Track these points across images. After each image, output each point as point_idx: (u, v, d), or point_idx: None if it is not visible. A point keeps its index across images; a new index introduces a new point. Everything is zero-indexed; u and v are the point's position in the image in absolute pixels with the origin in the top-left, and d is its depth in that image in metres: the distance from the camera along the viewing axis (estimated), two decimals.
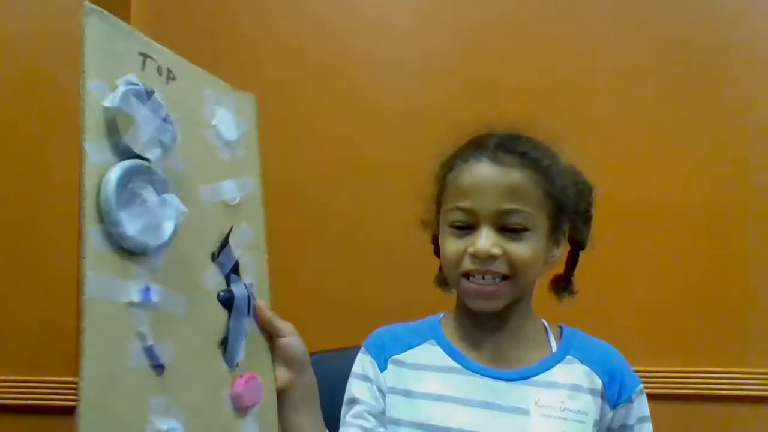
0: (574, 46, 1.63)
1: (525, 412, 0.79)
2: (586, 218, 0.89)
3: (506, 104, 1.55)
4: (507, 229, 0.79)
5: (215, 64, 0.79)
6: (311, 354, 1.05)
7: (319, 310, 1.55)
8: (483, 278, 0.80)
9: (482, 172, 0.80)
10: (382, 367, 0.87)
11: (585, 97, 1.60)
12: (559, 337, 0.87)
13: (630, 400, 0.83)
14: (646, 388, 1.61)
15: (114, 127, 0.58)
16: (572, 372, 0.82)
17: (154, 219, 0.60)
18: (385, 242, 1.60)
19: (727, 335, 1.54)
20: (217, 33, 1.69)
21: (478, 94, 1.60)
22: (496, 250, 0.78)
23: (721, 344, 1.54)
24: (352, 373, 0.90)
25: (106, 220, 0.56)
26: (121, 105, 0.59)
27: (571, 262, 0.91)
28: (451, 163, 0.85)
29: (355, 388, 0.88)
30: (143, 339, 0.58)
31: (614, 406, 0.82)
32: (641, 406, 0.84)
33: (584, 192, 0.88)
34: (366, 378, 0.88)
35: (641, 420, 0.83)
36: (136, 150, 0.60)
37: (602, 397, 0.82)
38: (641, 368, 1.54)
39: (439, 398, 0.82)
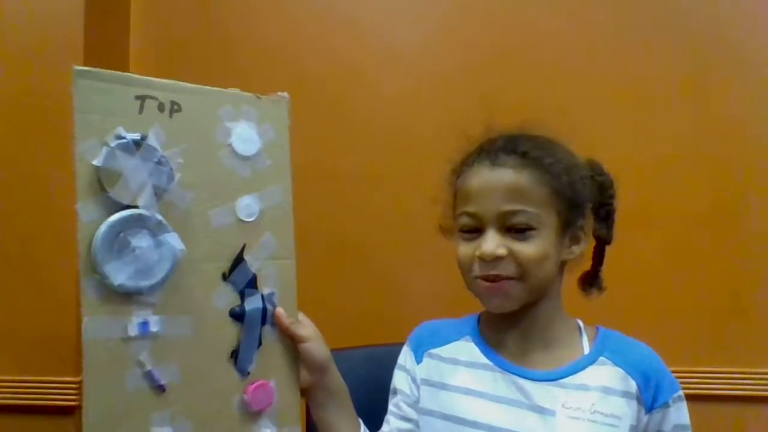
0: (576, 49, 1.56)
1: (551, 413, 0.77)
2: (608, 212, 0.86)
3: (509, 109, 1.41)
4: (512, 230, 0.78)
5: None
6: None
7: (314, 312, 1.53)
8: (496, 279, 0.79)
9: (484, 175, 0.80)
10: (419, 360, 0.90)
11: (591, 102, 1.53)
12: (594, 338, 0.84)
13: (666, 405, 0.78)
14: None
15: (102, 184, 0.65)
16: (604, 374, 0.80)
17: (147, 263, 0.68)
18: (384, 246, 1.57)
19: (727, 335, 1.48)
20: (206, 36, 1.65)
21: (472, 103, 1.41)
22: (501, 251, 0.77)
23: (721, 344, 1.48)
24: (397, 365, 0.94)
25: (97, 272, 0.65)
26: (106, 163, 0.66)
27: (597, 257, 0.88)
28: (458, 170, 0.85)
29: (396, 378, 0.92)
30: (142, 366, 0.68)
31: (649, 410, 0.78)
32: (679, 413, 0.79)
33: (604, 184, 0.86)
34: (404, 369, 0.91)
35: (678, 428, 0.79)
36: (126, 201, 0.67)
37: (638, 400, 0.78)
38: None
39: (469, 392, 0.83)
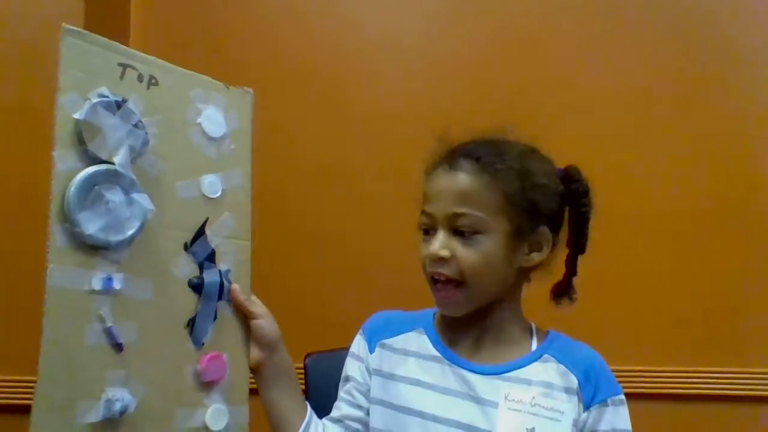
0: (576, 47, 1.60)
1: (494, 404, 0.80)
2: (582, 221, 0.86)
3: (495, 110, 1.47)
4: (459, 233, 0.80)
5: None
6: (307, 355, 1.14)
7: (307, 313, 1.57)
8: (442, 283, 0.81)
9: (441, 178, 0.82)
10: (371, 350, 0.92)
11: (591, 102, 1.58)
12: (543, 339, 0.87)
13: (605, 404, 0.80)
14: (646, 388, 1.52)
15: (81, 137, 0.67)
16: (547, 370, 0.82)
17: (118, 218, 0.69)
18: (370, 245, 1.62)
19: (727, 335, 1.51)
20: (206, 36, 1.71)
21: (465, 99, 1.58)
22: (444, 253, 0.79)
23: (721, 344, 1.51)
24: (349, 352, 0.95)
25: (68, 220, 0.65)
26: (88, 117, 0.67)
27: (569, 266, 0.88)
28: (428, 171, 0.86)
29: (348, 366, 0.94)
30: (103, 321, 0.67)
31: (588, 407, 0.80)
32: (617, 416, 0.80)
33: (578, 191, 0.85)
34: (358, 357, 0.93)
35: None
36: (103, 156, 0.68)
37: (578, 396, 0.81)
38: (641, 369, 1.53)
39: (417, 383, 0.85)
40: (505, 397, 0.80)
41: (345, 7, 1.70)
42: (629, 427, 0.81)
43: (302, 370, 1.10)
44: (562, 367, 0.82)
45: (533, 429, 0.78)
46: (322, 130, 1.66)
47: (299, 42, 1.68)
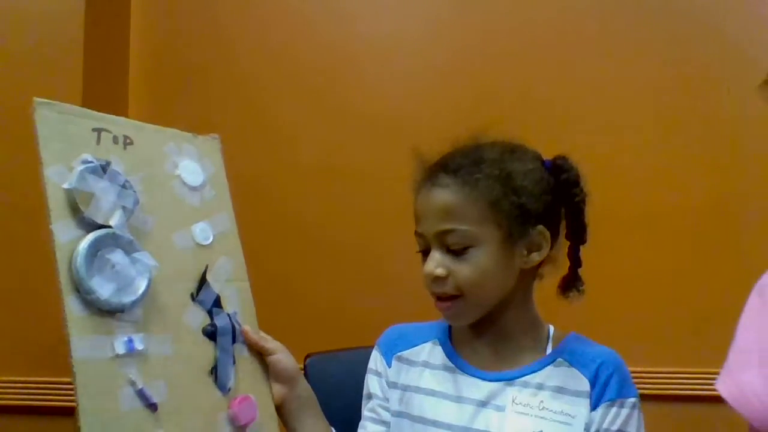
0: (576, 47, 1.63)
1: (502, 409, 0.81)
2: (576, 211, 0.85)
3: (496, 110, 1.58)
4: (451, 250, 0.80)
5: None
6: (307, 356, 1.14)
7: (307, 313, 1.57)
8: (443, 300, 0.82)
9: (425, 196, 0.83)
10: (389, 364, 0.93)
11: (586, 102, 1.61)
12: (560, 342, 0.86)
13: (612, 404, 0.79)
14: (646, 388, 1.48)
15: (75, 206, 0.66)
16: (559, 374, 0.82)
17: (126, 279, 0.68)
18: (368, 247, 1.64)
19: (727, 336, 1.53)
20: (207, 35, 1.71)
21: (465, 100, 1.62)
22: (440, 272, 0.80)
23: (720, 345, 1.52)
24: (368, 369, 0.95)
25: (80, 289, 0.65)
26: (78, 184, 0.67)
27: (572, 259, 0.87)
28: (414, 190, 0.86)
29: (369, 383, 0.94)
30: (133, 384, 0.66)
31: (595, 406, 0.80)
32: (626, 420, 0.79)
33: (569, 181, 0.84)
34: (377, 373, 0.93)
35: None
36: (99, 221, 0.68)
37: (589, 398, 0.80)
38: (641, 369, 1.52)
39: (432, 394, 0.86)
40: (513, 401, 0.81)
41: (346, 8, 1.72)
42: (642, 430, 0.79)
43: (302, 371, 1.08)
44: (574, 370, 0.82)
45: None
46: (323, 131, 1.68)
47: (300, 43, 1.69)
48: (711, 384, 1.52)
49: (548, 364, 0.83)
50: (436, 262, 0.80)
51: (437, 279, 0.80)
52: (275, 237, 1.53)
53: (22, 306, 1.45)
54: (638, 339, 1.55)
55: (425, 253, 0.83)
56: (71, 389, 1.37)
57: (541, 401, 0.80)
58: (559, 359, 0.83)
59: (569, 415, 0.79)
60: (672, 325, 1.56)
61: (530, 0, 1.65)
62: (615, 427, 0.79)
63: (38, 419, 1.46)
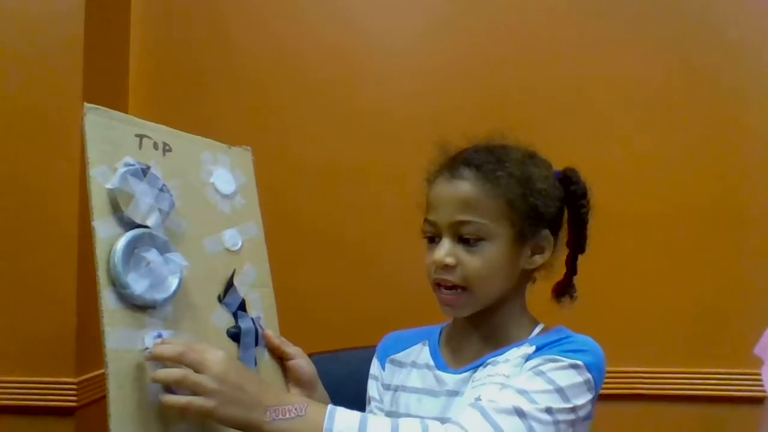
0: (576, 49, 1.64)
1: (462, 393, 0.83)
2: (580, 222, 0.89)
3: (496, 111, 1.58)
4: (463, 240, 0.82)
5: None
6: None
7: (308, 314, 1.54)
8: (447, 289, 0.84)
9: (443, 186, 0.85)
10: (383, 367, 0.97)
11: (585, 103, 1.62)
12: (542, 333, 0.87)
13: (540, 357, 0.78)
14: (646, 389, 1.52)
15: (116, 205, 0.70)
16: (517, 351, 0.83)
17: (159, 276, 0.72)
18: (369, 247, 1.65)
19: (727, 336, 1.53)
20: (208, 36, 1.71)
21: (466, 100, 1.63)
22: (450, 260, 0.82)
23: (720, 345, 1.53)
24: (369, 374, 0.99)
25: (116, 284, 0.68)
26: (121, 185, 0.71)
27: (569, 266, 0.91)
28: (429, 179, 0.89)
29: (369, 387, 0.98)
30: None
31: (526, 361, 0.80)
32: (550, 367, 0.76)
33: (576, 193, 0.88)
34: (374, 377, 0.98)
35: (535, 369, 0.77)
36: (138, 220, 0.72)
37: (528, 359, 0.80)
38: (641, 369, 1.53)
39: (416, 391, 0.89)
40: (471, 381, 0.83)
41: (347, 8, 1.73)
42: (563, 383, 0.75)
43: None
44: (532, 347, 0.82)
45: (479, 397, 0.78)
46: (325, 132, 1.68)
47: (301, 44, 1.70)
48: (711, 384, 1.50)
49: (513, 348, 0.84)
50: (447, 251, 0.82)
51: (445, 267, 0.82)
52: (275, 237, 1.54)
53: (22, 306, 1.46)
54: (639, 339, 1.56)
55: (431, 240, 0.86)
56: (71, 389, 1.42)
57: (488, 375, 0.81)
58: (526, 344, 0.83)
59: (503, 375, 0.80)
60: (672, 325, 1.57)
61: (531, 0, 1.67)
62: (531, 365, 0.78)
63: (38, 419, 1.45)
